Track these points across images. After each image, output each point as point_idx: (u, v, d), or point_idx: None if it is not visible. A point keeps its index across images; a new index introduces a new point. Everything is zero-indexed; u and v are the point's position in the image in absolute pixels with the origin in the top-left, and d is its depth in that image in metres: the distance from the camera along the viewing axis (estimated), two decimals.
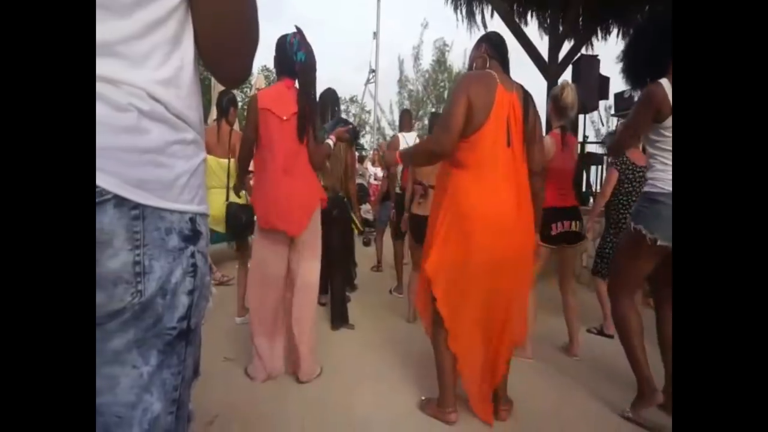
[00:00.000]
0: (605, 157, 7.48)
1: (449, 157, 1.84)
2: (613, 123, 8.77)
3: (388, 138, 16.65)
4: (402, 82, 17.84)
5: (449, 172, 1.88)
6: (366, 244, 6.95)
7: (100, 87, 0.53)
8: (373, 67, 17.19)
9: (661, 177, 1.85)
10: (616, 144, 2.18)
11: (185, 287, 0.63)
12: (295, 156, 2.20)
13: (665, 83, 1.82)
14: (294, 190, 2.20)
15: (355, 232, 3.85)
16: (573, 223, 2.71)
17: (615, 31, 7.67)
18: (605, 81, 6.45)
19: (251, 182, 2.71)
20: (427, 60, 17.86)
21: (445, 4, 8.21)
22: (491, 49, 1.94)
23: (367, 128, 19.57)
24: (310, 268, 2.33)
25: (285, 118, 2.17)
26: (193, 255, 0.63)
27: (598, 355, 2.79)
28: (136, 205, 0.55)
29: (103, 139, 0.52)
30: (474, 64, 1.99)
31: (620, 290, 2.06)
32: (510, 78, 1.92)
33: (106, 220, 0.53)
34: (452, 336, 1.89)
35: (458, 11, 8.15)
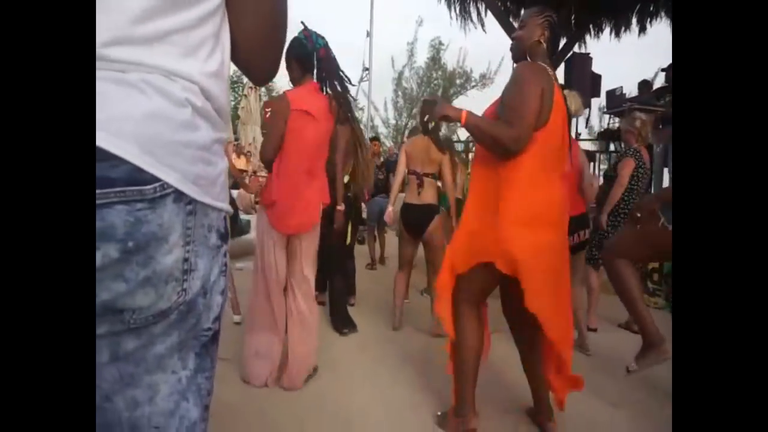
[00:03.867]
0: (597, 155, 7.55)
1: (518, 154, 1.64)
2: (605, 121, 8.85)
3: (381, 136, 16.59)
4: (398, 81, 17.79)
5: (502, 163, 1.68)
6: (360, 242, 6.95)
7: (156, 78, 0.53)
8: (366, 66, 17.15)
9: None
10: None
11: (219, 286, 0.62)
12: (319, 157, 2.21)
13: None
14: (311, 191, 2.19)
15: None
16: (584, 233, 2.81)
17: (607, 29, 7.73)
18: (597, 79, 6.50)
19: (247, 181, 2.68)
20: (421, 58, 17.82)
21: (438, 3, 8.23)
22: (550, 36, 1.72)
23: (361, 125, 19.51)
24: (307, 274, 2.30)
25: (317, 117, 2.13)
26: (225, 254, 0.63)
27: (591, 347, 2.83)
28: (191, 201, 0.55)
29: (165, 132, 0.53)
30: (527, 45, 1.74)
31: (617, 256, 2.03)
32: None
33: (166, 215, 0.52)
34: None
35: (452, 9, 8.17)
